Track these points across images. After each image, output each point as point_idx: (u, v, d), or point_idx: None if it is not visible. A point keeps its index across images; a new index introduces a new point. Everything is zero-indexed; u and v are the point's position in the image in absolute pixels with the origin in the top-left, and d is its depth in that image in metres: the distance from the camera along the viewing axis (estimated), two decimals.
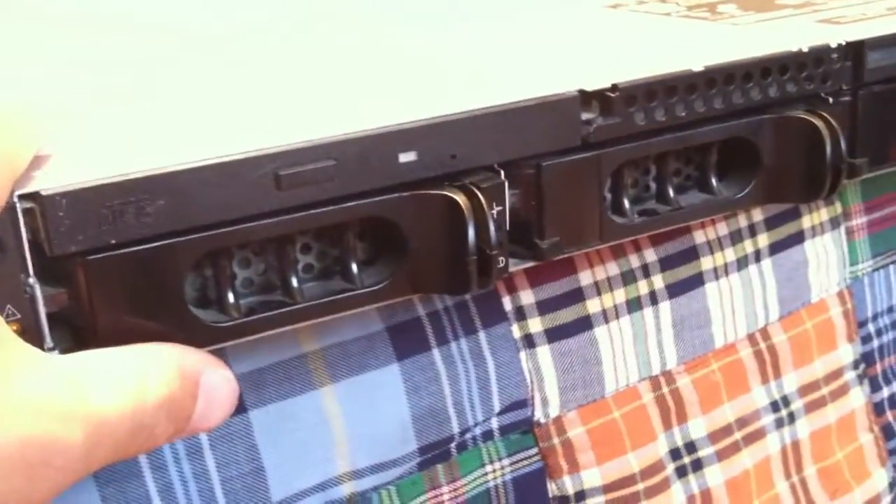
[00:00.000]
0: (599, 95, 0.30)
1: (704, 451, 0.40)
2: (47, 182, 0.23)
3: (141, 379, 0.23)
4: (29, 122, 0.24)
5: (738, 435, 0.41)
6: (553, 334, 0.36)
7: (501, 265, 0.28)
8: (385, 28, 0.42)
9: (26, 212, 0.23)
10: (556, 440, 0.37)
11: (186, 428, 0.25)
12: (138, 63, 0.36)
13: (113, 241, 0.24)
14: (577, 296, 0.37)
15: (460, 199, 0.27)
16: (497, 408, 0.36)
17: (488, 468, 0.36)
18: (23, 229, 0.23)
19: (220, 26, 0.44)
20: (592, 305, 0.37)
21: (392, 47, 0.38)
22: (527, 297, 0.36)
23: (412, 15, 0.44)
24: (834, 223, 0.43)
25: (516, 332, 0.36)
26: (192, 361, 0.25)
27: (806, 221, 0.43)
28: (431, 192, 0.27)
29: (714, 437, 0.40)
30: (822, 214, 0.43)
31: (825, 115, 0.33)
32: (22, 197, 0.23)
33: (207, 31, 0.43)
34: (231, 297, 0.27)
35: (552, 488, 0.37)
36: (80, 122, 0.29)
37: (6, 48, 0.41)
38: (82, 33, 0.44)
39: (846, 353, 0.44)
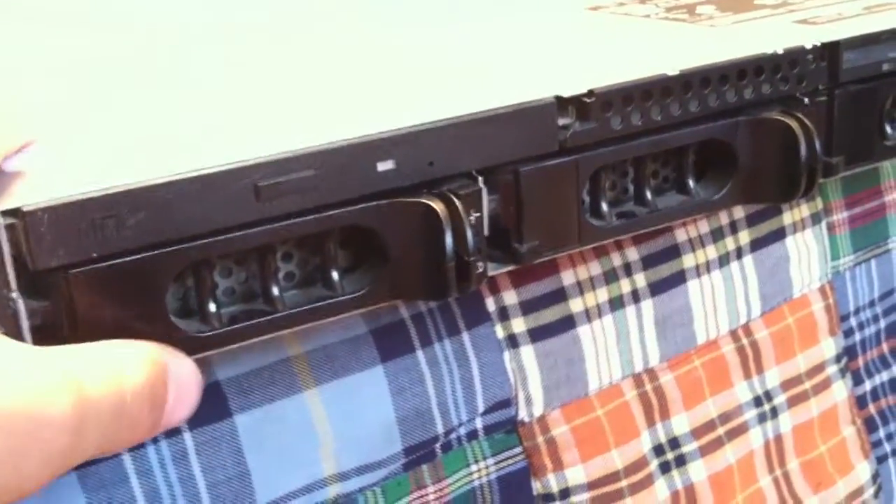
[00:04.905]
0: (576, 101, 0.30)
1: (688, 447, 0.40)
2: (29, 197, 0.23)
3: (120, 367, 0.23)
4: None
5: (721, 430, 0.41)
6: (536, 334, 0.37)
7: (480, 270, 0.29)
8: (363, 30, 0.42)
9: (9, 227, 0.23)
10: (540, 439, 0.37)
11: (163, 419, 0.25)
12: (116, 65, 0.37)
13: (95, 255, 0.24)
14: (559, 295, 0.37)
15: (438, 206, 0.28)
16: (481, 408, 0.36)
17: (473, 468, 0.36)
18: (5, 245, 0.23)
19: (207, 27, 0.44)
20: (575, 305, 0.38)
21: (370, 50, 0.38)
22: (510, 297, 0.36)
23: (391, 16, 0.45)
24: (815, 219, 0.44)
25: (500, 332, 0.36)
26: (159, 352, 0.25)
27: (787, 218, 0.43)
28: (409, 199, 0.28)
29: (697, 432, 0.41)
30: (803, 210, 0.44)
31: (800, 115, 0.33)
32: (4, 213, 0.23)
33: (193, 33, 0.43)
34: (213, 307, 0.27)
35: (537, 487, 0.37)
36: (61, 130, 0.29)
37: None
38: (67, 33, 0.44)
39: (828, 347, 0.44)
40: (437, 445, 0.35)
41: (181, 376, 0.25)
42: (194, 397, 0.26)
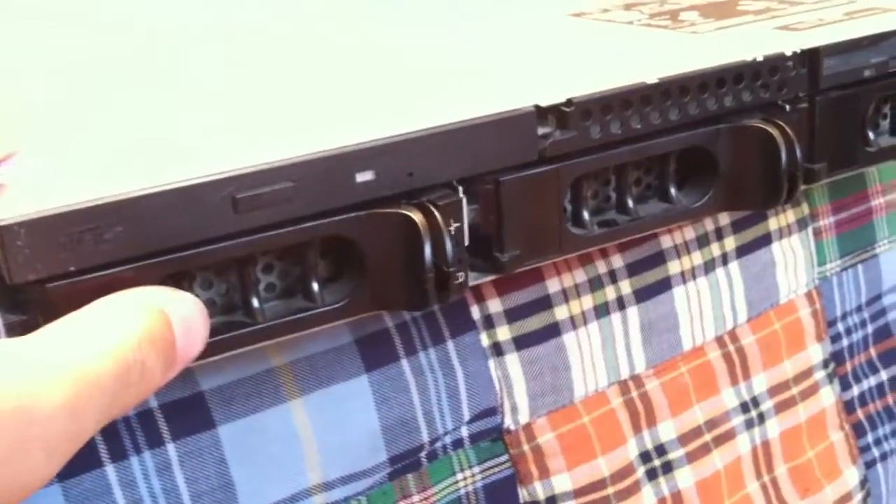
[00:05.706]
0: (555, 110, 0.30)
1: (675, 454, 0.40)
2: (5, 211, 0.23)
3: (109, 323, 0.23)
4: None
5: (708, 437, 0.41)
6: (521, 342, 0.37)
7: (460, 280, 0.29)
8: (360, 31, 0.42)
9: None
10: (526, 447, 0.37)
11: (176, 359, 0.24)
12: (113, 65, 0.37)
13: (73, 268, 0.24)
14: (544, 303, 0.37)
15: (417, 217, 0.28)
16: (467, 416, 0.36)
17: (459, 476, 0.36)
18: None
19: (207, 27, 0.44)
20: (560, 312, 0.38)
21: (360, 53, 0.38)
22: (494, 305, 0.36)
23: (380, 19, 0.45)
24: (801, 224, 0.44)
25: (485, 340, 0.36)
26: (153, 297, 0.24)
27: (773, 223, 0.43)
28: (388, 210, 0.28)
29: (684, 439, 0.41)
30: (790, 216, 0.44)
31: (780, 122, 0.33)
32: None
33: (193, 33, 0.43)
34: None
35: (523, 494, 0.37)
36: (46, 135, 0.29)
37: None
38: (67, 33, 0.44)
39: (816, 352, 0.45)
40: (423, 454, 0.35)
41: (184, 313, 0.25)
42: (202, 330, 0.25)
